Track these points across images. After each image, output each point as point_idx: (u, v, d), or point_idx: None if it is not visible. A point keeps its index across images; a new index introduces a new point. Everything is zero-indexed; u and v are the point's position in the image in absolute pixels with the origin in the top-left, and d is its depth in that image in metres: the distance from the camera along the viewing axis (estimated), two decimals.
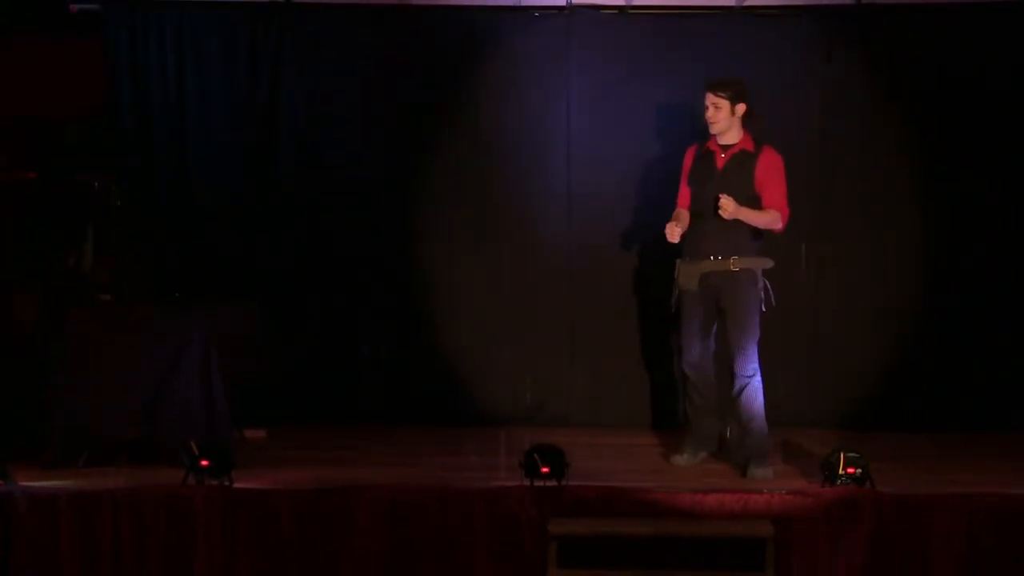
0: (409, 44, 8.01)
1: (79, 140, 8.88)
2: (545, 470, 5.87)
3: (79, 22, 8.02)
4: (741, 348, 6.60)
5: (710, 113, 6.66)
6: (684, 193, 6.82)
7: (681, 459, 6.82)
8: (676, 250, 6.76)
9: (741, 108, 6.66)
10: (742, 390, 6.62)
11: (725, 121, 6.65)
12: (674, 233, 6.59)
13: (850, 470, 5.86)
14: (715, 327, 6.75)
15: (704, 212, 6.62)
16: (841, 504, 5.75)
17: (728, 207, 6.47)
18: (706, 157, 6.75)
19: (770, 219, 6.63)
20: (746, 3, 7.86)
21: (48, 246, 8.61)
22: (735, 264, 6.59)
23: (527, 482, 5.88)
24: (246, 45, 8.02)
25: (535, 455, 5.91)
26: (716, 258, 6.60)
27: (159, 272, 8.03)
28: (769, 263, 6.68)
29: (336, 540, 5.78)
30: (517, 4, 7.95)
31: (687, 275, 6.67)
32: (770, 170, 6.66)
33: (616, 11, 7.98)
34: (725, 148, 6.69)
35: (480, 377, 8.04)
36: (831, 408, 7.84)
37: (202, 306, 7.10)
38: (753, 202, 6.60)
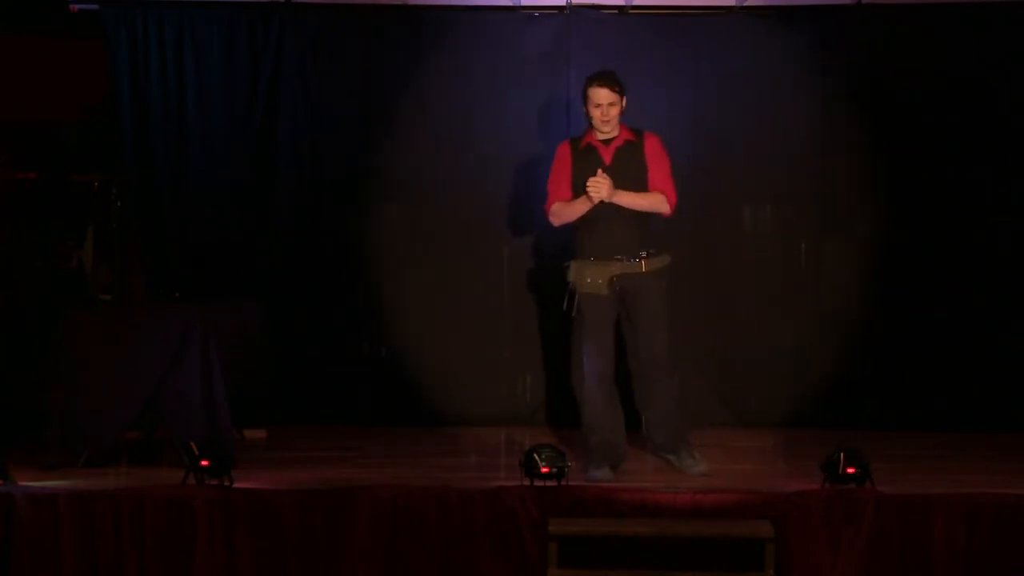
0: (409, 44, 8.01)
1: (79, 140, 8.90)
2: (545, 470, 5.87)
3: (79, 22, 8.02)
4: (665, 345, 6.40)
5: (604, 111, 6.31)
6: (565, 188, 6.42)
7: (604, 474, 6.37)
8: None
9: (624, 101, 6.40)
10: (671, 386, 6.47)
11: (616, 116, 6.36)
12: (600, 186, 6.18)
13: (850, 470, 5.85)
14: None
15: (601, 212, 6.31)
16: (841, 504, 5.75)
17: (602, 187, 6.20)
18: (588, 154, 6.41)
19: (654, 201, 6.35)
20: (746, 3, 7.86)
21: (48, 246, 8.62)
22: (646, 265, 6.37)
23: (527, 482, 5.88)
24: (246, 45, 8.03)
25: (535, 455, 5.91)
26: (625, 259, 6.35)
27: (159, 272, 8.04)
28: (668, 259, 6.47)
29: (336, 540, 5.78)
30: (517, 4, 7.95)
31: (594, 277, 6.35)
32: (655, 154, 6.40)
33: (616, 11, 7.98)
34: (607, 142, 6.40)
35: (480, 377, 8.04)
36: (831, 408, 7.83)
37: (202, 306, 7.10)
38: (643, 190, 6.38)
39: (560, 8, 7.98)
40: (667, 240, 6.73)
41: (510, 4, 7.96)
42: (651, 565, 5.62)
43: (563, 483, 5.87)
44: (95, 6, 7.95)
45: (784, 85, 7.93)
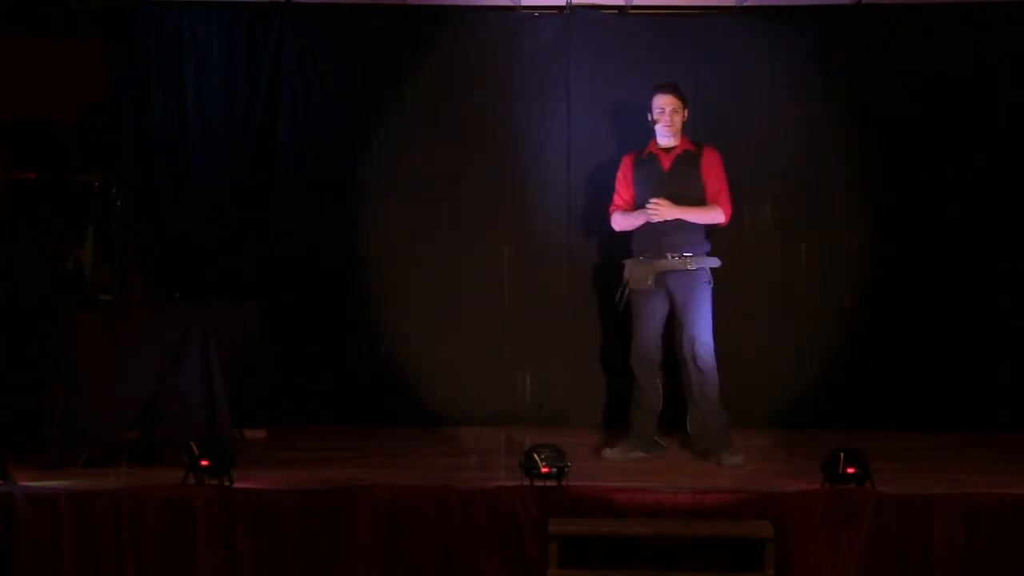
0: (409, 44, 8.01)
1: (79, 140, 8.89)
2: (545, 470, 5.87)
3: (79, 22, 8.02)
4: (705, 342, 6.82)
5: (667, 117, 6.86)
6: (626, 196, 7.00)
7: (612, 452, 6.94)
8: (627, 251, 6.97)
9: (686, 112, 6.93)
10: (707, 382, 6.83)
11: (679, 123, 6.89)
12: (660, 209, 6.75)
13: (850, 470, 5.86)
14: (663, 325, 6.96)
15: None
16: (841, 504, 5.75)
17: (662, 209, 6.73)
18: (649, 161, 6.94)
19: (712, 214, 6.87)
20: (746, 3, 7.86)
21: (48, 246, 8.62)
22: (691, 263, 6.79)
23: (527, 482, 5.89)
24: (246, 45, 8.03)
25: (535, 455, 5.92)
26: (673, 257, 6.80)
27: (159, 272, 8.03)
28: (717, 262, 6.89)
29: (336, 540, 5.79)
30: (517, 4, 7.95)
31: (641, 274, 6.83)
32: (712, 166, 6.89)
33: (616, 11, 7.99)
34: (668, 150, 6.92)
35: (480, 377, 8.04)
36: (831, 408, 7.83)
37: (202, 306, 7.10)
38: (700, 201, 6.84)
39: (560, 8, 7.99)
40: None
41: (510, 4, 7.96)
42: (651, 565, 5.63)
43: (563, 483, 5.88)
44: (95, 6, 7.95)
45: (784, 85, 7.93)
